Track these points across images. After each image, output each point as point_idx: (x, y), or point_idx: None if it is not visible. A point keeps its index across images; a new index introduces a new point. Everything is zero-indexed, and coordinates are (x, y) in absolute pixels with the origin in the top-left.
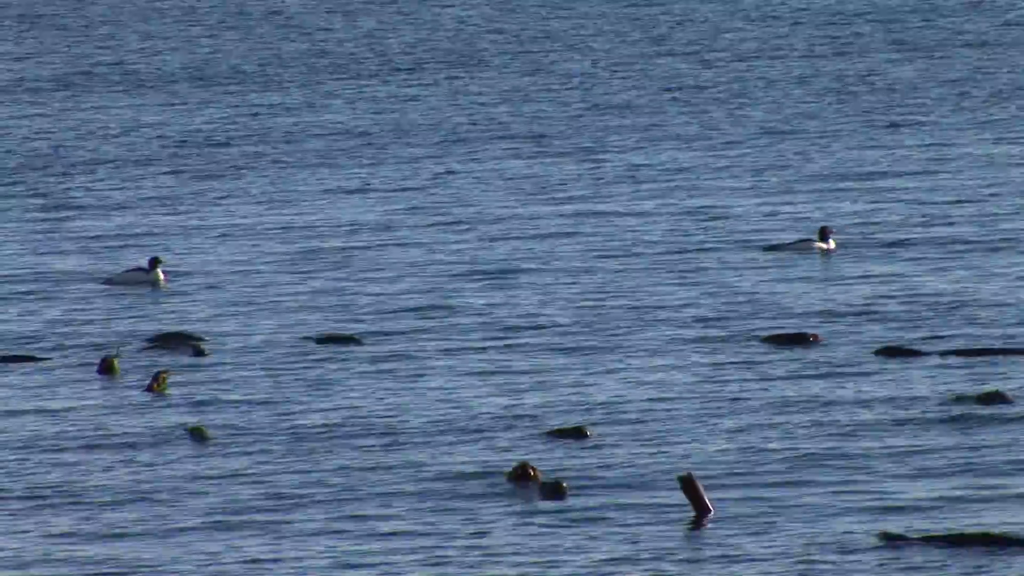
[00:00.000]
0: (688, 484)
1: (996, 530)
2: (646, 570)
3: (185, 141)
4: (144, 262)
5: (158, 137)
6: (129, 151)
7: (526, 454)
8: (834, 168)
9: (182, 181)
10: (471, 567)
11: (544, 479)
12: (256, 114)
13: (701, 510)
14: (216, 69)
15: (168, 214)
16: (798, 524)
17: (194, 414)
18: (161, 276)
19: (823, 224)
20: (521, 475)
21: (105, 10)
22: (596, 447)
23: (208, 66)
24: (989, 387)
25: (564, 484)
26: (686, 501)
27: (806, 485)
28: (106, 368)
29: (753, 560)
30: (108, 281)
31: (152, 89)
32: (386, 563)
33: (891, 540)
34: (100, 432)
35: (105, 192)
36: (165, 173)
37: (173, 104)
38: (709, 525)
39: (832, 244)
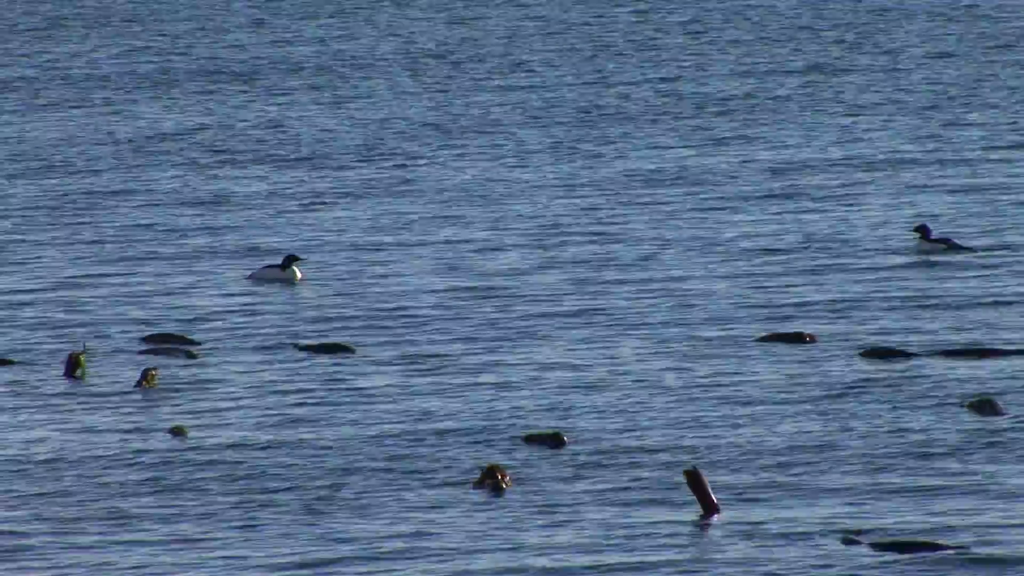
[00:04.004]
0: (693, 478)
1: (970, 539)
2: (625, 567)
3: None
4: (279, 260)
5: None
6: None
7: (501, 459)
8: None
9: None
10: (442, 566)
11: (489, 476)
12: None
13: (707, 504)
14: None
15: (175, 214)
16: (775, 524)
17: (179, 413)
18: (298, 273)
19: (920, 223)
20: (490, 478)
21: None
22: (575, 451)
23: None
24: (982, 395)
25: (505, 477)
26: (690, 496)
27: (788, 486)
28: (72, 366)
29: (737, 556)
30: (248, 277)
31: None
32: (359, 563)
33: (852, 543)
34: (86, 430)
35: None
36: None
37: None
38: (692, 522)
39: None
